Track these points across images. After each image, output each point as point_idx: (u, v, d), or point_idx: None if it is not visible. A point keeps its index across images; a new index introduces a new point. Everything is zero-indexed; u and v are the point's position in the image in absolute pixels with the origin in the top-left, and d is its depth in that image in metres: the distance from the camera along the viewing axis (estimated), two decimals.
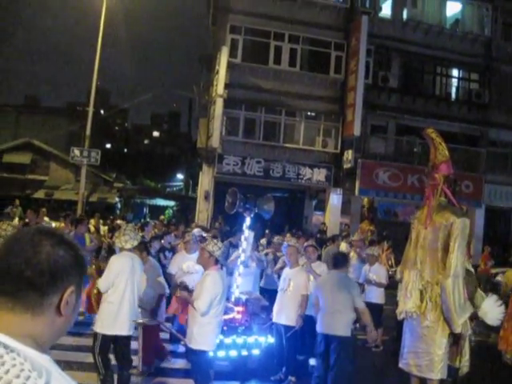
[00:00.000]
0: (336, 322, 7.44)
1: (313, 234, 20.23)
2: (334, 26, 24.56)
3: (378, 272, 11.37)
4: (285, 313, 8.40)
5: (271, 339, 8.52)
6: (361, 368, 9.47)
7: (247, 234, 8.80)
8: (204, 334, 6.59)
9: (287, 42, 24.05)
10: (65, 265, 1.47)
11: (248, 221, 8.68)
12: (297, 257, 8.76)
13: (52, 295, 1.45)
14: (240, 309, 8.34)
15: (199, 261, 7.07)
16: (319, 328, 7.65)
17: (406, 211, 25.17)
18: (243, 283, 9.29)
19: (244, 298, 8.68)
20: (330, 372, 7.41)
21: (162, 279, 8.59)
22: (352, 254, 13.44)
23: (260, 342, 8.30)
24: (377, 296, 11.23)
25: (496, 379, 9.50)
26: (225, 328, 7.73)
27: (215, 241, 6.94)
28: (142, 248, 8.23)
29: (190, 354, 6.95)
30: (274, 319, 8.61)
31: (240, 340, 8.00)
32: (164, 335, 9.67)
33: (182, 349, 9.17)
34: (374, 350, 11.12)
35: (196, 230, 13.89)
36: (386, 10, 26.37)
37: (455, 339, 7.25)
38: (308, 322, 8.45)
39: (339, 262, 7.93)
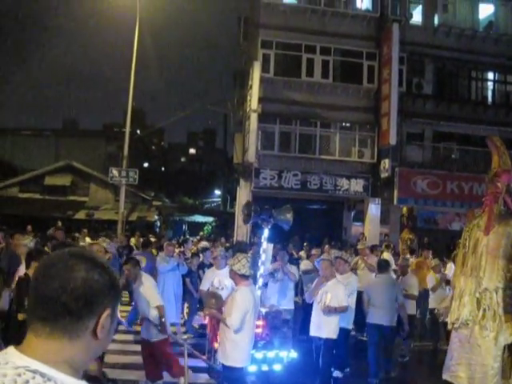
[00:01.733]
0: (386, 315, 9.49)
1: (352, 245, 20.09)
2: (365, 36, 24.50)
3: (409, 283, 11.24)
4: (325, 326, 8.31)
5: (294, 354, 8.34)
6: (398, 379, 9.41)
7: (265, 247, 8.67)
8: (237, 350, 6.48)
9: (319, 54, 24.06)
10: (100, 289, 1.47)
11: (266, 232, 8.57)
12: (331, 270, 8.68)
13: (88, 320, 1.46)
14: (260, 323, 8.12)
15: (230, 276, 7.08)
16: (372, 320, 9.66)
17: (447, 218, 24.88)
18: (278, 297, 9.39)
19: (264, 311, 8.57)
20: (383, 352, 9.65)
21: (153, 291, 8.11)
22: (359, 262, 13.25)
23: (281, 356, 8.06)
24: (408, 307, 10.82)
25: None
26: None
27: (239, 257, 6.83)
28: (135, 263, 8.16)
29: (224, 370, 6.76)
30: (313, 333, 8.50)
31: (260, 355, 7.80)
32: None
33: (203, 364, 9.03)
34: (400, 360, 10.98)
35: (202, 244, 13.92)
36: (417, 17, 26.20)
37: (510, 352, 7.08)
38: (340, 334, 8.40)
39: (383, 267, 10.14)
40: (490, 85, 27.63)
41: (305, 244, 17.42)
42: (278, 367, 7.86)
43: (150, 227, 33.61)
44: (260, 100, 22.60)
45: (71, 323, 1.43)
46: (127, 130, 25.78)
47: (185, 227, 45.55)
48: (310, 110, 23.77)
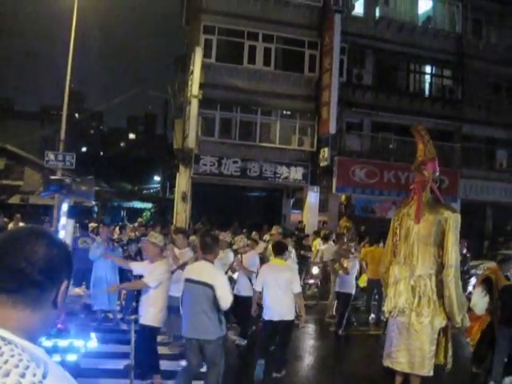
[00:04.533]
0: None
1: (290, 233, 20.22)
2: (308, 25, 24.61)
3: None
4: (143, 312, 7.72)
5: (93, 343, 7.15)
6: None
7: (65, 222, 8.16)
8: None
9: (261, 41, 24.05)
10: (59, 262, 1.58)
11: (65, 207, 8.04)
12: (155, 251, 7.83)
13: (50, 291, 1.55)
14: None
15: None
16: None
17: (383, 207, 25.36)
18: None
19: None
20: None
21: None
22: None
23: (77, 346, 6.29)
24: (248, 288, 10.43)
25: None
26: None
27: None
28: None
29: None
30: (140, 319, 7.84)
31: (49, 343, 6.81)
32: None
33: None
34: (239, 343, 10.55)
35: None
36: (359, 9, 26.48)
37: (443, 335, 7.32)
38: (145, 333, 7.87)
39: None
40: (428, 78, 28.32)
41: (244, 231, 17.43)
42: (72, 357, 6.19)
43: (88, 213, 32.99)
44: (201, 86, 22.44)
45: (35, 294, 1.52)
46: (64, 112, 25.07)
47: (123, 213, 44.96)
48: (251, 97, 23.75)
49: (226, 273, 10.58)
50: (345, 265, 11.73)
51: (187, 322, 6.75)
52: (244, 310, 10.11)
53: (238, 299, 10.06)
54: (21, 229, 1.69)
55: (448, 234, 7.17)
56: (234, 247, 11.36)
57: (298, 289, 8.47)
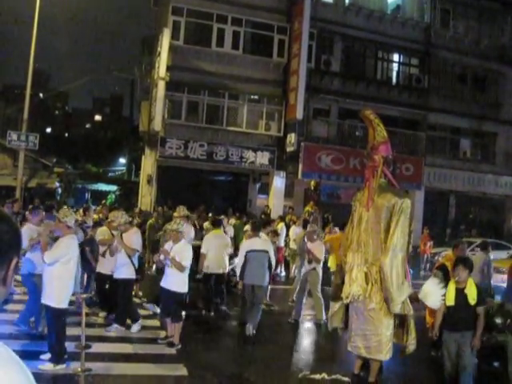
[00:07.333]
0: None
1: (257, 217, 20.29)
2: (277, 10, 24.50)
3: (180, 252, 8.99)
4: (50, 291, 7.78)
5: None
6: None
7: None
8: None
9: (230, 24, 23.85)
10: (8, 239, 1.53)
11: None
12: (61, 228, 7.72)
13: (0, 268, 1.52)
14: None
15: None
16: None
17: (349, 193, 25.45)
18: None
19: None
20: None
21: None
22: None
23: None
24: (177, 282, 8.99)
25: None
26: None
27: None
28: None
29: None
30: None
31: None
32: None
33: None
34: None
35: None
36: None
37: (401, 319, 7.37)
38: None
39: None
40: (395, 66, 28.49)
41: (210, 215, 17.39)
42: None
43: (51, 194, 32.49)
44: (168, 68, 22.23)
45: None
46: (28, 91, 24.58)
47: (88, 195, 44.42)
48: (219, 81, 23.61)
49: (104, 253, 10.35)
50: None
51: (251, 274, 10.11)
52: (123, 293, 9.65)
53: (117, 282, 9.73)
54: None
55: (393, 219, 7.12)
56: (114, 224, 10.32)
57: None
